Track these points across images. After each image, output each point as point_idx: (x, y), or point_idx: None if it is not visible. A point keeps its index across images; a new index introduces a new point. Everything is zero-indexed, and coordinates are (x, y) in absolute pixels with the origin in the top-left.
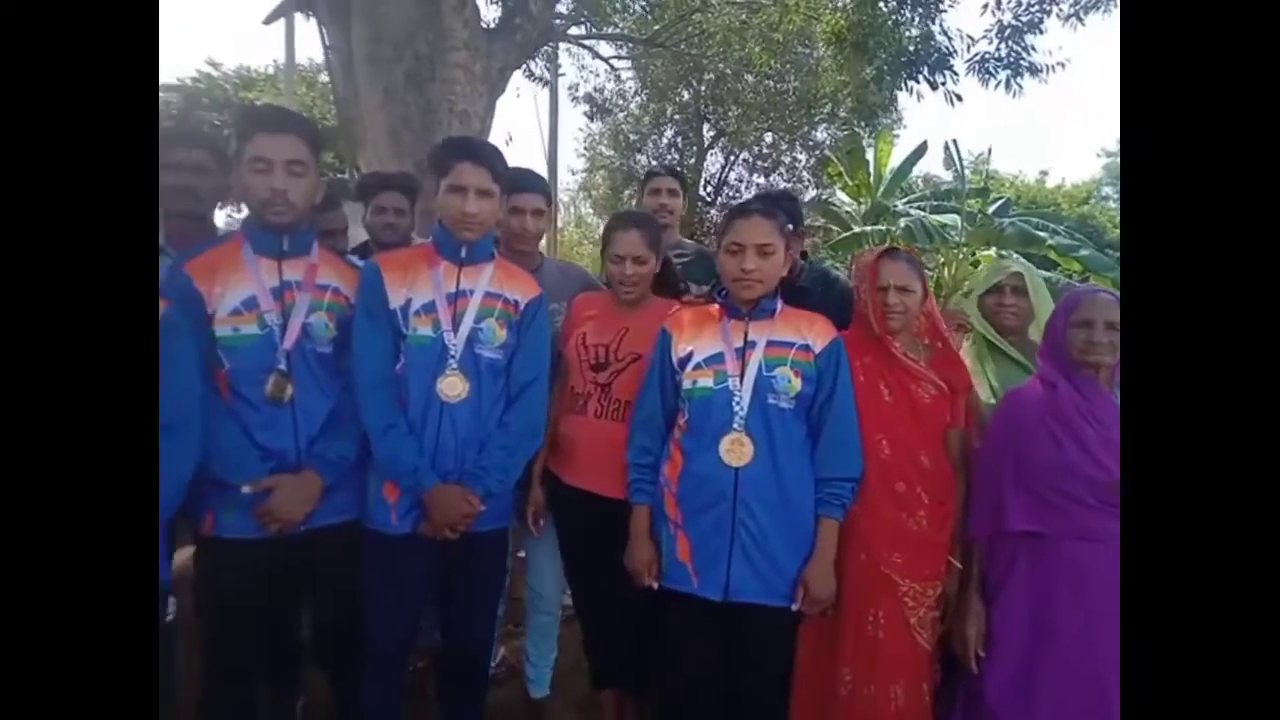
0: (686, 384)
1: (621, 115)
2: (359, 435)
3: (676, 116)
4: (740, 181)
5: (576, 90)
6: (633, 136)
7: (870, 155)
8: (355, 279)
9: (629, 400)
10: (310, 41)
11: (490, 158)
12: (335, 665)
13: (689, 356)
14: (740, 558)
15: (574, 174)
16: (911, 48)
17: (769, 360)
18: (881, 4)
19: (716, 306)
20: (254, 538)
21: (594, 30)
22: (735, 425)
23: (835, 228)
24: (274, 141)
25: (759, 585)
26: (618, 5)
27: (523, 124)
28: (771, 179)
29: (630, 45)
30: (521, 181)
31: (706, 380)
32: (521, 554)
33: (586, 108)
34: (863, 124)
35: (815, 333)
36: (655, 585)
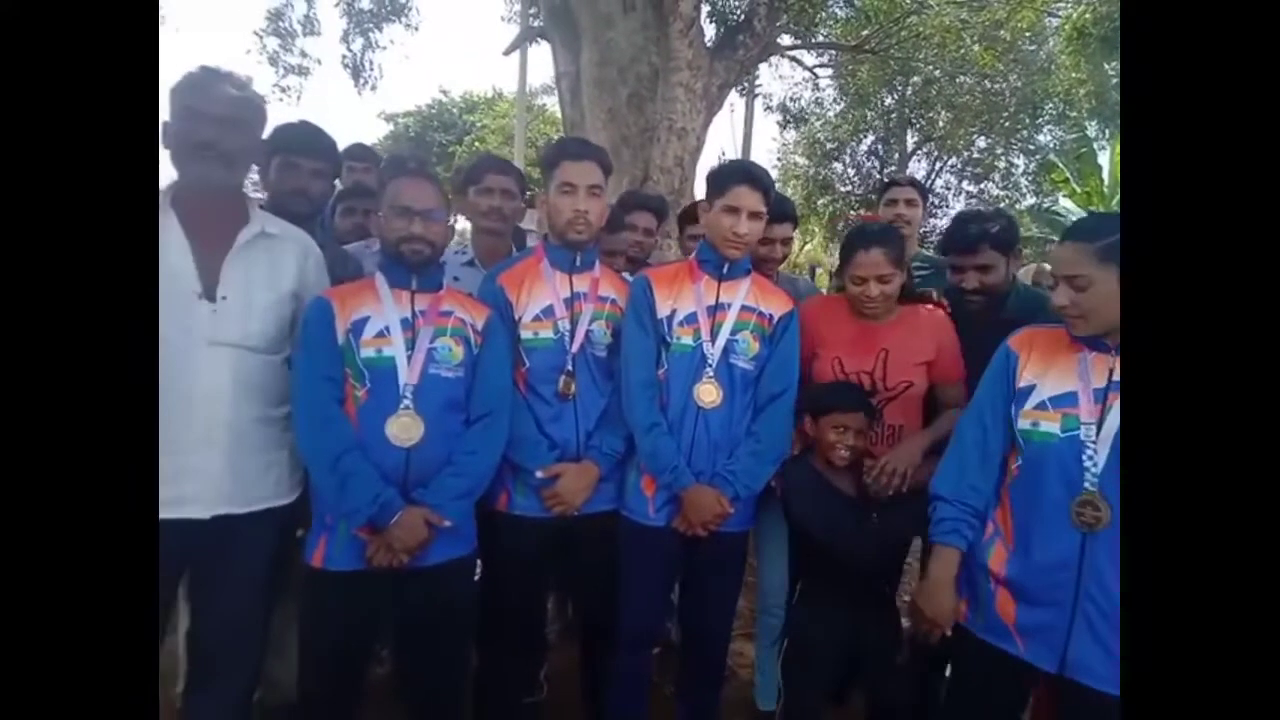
0: (1024, 424)
1: (818, 124)
2: (626, 431)
3: (877, 123)
4: (948, 189)
5: (770, 100)
6: (829, 145)
7: (1104, 159)
8: (627, 291)
9: (903, 424)
10: (541, 68)
11: (765, 183)
12: (588, 641)
13: (1031, 389)
14: (1084, 631)
15: None
16: None
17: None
18: None
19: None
20: (540, 517)
21: (802, 41)
22: (1087, 485)
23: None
24: (578, 168)
25: (1111, 669)
26: (824, 15)
27: (716, 135)
28: (983, 186)
29: (835, 53)
30: (776, 210)
31: (1051, 425)
32: None
33: (779, 117)
34: (1104, 126)
35: None
36: (949, 633)
